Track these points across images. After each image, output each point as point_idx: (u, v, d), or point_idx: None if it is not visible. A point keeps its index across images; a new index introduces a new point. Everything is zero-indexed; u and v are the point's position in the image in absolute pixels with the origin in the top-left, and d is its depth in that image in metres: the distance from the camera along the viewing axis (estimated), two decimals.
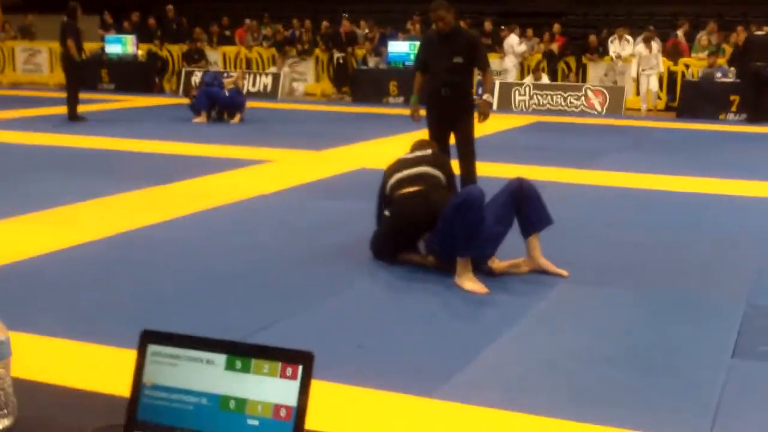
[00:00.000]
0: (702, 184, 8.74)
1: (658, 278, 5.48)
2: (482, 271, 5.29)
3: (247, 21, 20.30)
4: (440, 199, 5.48)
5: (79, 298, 4.84)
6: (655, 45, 16.27)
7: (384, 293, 5.12)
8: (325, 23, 19.71)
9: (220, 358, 1.33)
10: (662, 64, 16.29)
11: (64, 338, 4.12)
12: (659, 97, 16.76)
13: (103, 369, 3.72)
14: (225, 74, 15.20)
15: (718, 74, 15.79)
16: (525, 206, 5.42)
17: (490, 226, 5.28)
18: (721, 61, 16.17)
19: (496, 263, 5.45)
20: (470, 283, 5.08)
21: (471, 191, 5.27)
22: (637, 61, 16.28)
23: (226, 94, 13.96)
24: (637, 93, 16.71)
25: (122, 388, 1.48)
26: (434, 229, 5.36)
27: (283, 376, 1.27)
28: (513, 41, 17.80)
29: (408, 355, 4.08)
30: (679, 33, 17.42)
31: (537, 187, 5.58)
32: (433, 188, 5.68)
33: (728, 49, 16.48)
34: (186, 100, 14.79)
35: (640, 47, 16.28)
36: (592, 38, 17.67)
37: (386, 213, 5.77)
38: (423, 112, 7.38)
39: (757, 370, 3.99)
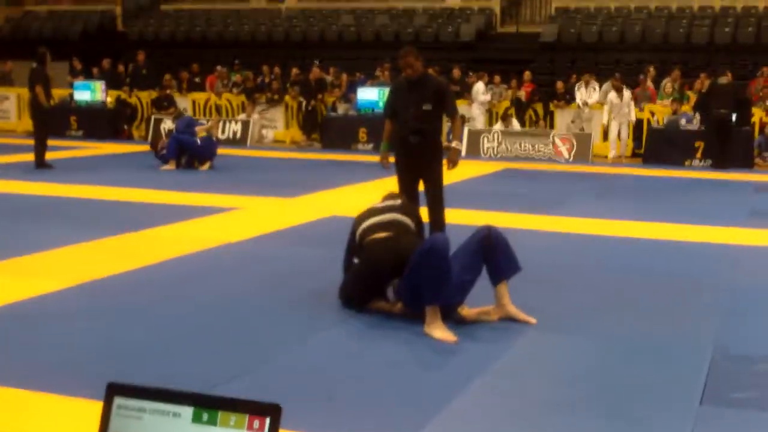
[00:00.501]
0: (667, 230, 8.83)
1: (623, 324, 5.50)
2: (452, 319, 5.29)
3: (218, 68, 20.38)
4: (410, 245, 5.50)
5: (43, 348, 4.77)
6: (627, 93, 16.50)
7: (353, 342, 5.10)
8: (294, 70, 19.84)
9: (187, 411, 1.33)
10: (633, 112, 16.51)
11: (28, 389, 4.06)
12: (626, 144, 16.97)
13: (68, 421, 3.66)
14: (197, 122, 15.18)
15: (683, 121, 16.03)
16: (493, 254, 5.43)
17: (458, 274, 5.29)
18: (686, 107, 16.43)
19: (466, 311, 5.46)
20: (439, 331, 5.07)
21: (436, 239, 5.29)
22: (608, 108, 16.48)
23: (198, 142, 13.93)
24: (605, 139, 16.91)
25: None
26: (403, 275, 5.36)
27: (250, 428, 1.27)
28: (479, 89, 17.98)
29: (379, 404, 4.06)
30: (648, 78, 17.64)
31: (505, 234, 5.61)
32: (403, 234, 5.70)
33: (692, 96, 16.76)
34: (149, 147, 14.76)
35: (612, 95, 16.49)
36: (560, 85, 17.91)
37: (355, 260, 5.77)
38: (392, 159, 7.41)
39: (727, 417, 4.00)
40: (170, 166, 13.68)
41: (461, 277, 5.32)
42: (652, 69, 18.05)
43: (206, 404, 1.30)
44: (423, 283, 5.10)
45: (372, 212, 5.90)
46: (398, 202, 6.09)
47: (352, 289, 5.68)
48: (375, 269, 5.59)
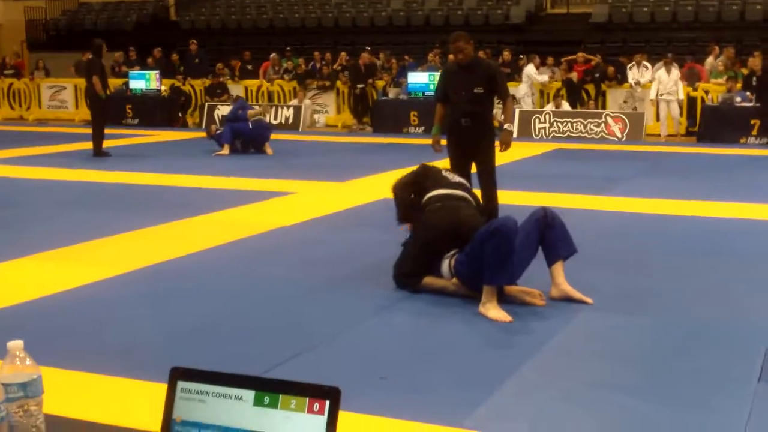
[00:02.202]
0: (723, 209, 8.73)
1: (679, 304, 5.48)
2: (504, 301, 5.31)
3: (273, 55, 20.50)
4: (471, 217, 5.61)
5: (105, 333, 4.90)
6: (675, 71, 16.28)
7: (406, 323, 5.14)
8: (343, 55, 19.88)
9: (249, 394, 1.38)
10: (682, 90, 16.28)
11: (92, 373, 4.18)
12: (680, 122, 16.76)
13: (132, 404, 3.77)
14: (250, 106, 15.35)
15: (738, 99, 15.77)
16: (550, 234, 5.46)
17: (516, 254, 5.32)
18: (739, 85, 16.16)
19: (510, 287, 5.47)
20: (495, 311, 5.10)
21: (506, 221, 5.29)
22: (656, 85, 16.30)
23: (250, 125, 14.08)
24: (657, 119, 16.71)
25: (152, 423, 1.52)
26: (463, 251, 5.39)
27: (310, 411, 1.31)
28: (530, 71, 17.86)
29: (432, 386, 4.10)
30: (710, 59, 17.32)
31: (560, 215, 5.62)
32: (464, 207, 5.77)
33: (745, 73, 16.46)
34: (204, 134, 14.98)
35: (660, 72, 16.30)
36: (611, 70, 17.70)
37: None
38: (444, 142, 7.46)
39: None
40: (224, 151, 13.86)
41: (519, 256, 5.34)
42: (712, 57, 17.57)
43: (267, 388, 1.35)
44: (486, 263, 5.13)
45: (441, 181, 5.95)
46: (464, 181, 6.19)
47: (409, 260, 5.70)
48: (434, 235, 5.62)
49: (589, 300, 5.38)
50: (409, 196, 5.96)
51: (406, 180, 6.07)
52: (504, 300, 5.31)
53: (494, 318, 5.07)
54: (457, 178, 6.13)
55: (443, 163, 7.33)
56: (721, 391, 4.01)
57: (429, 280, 5.63)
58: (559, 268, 5.48)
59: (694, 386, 4.08)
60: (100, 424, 1.84)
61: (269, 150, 14.13)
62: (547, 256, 5.53)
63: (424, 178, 5.99)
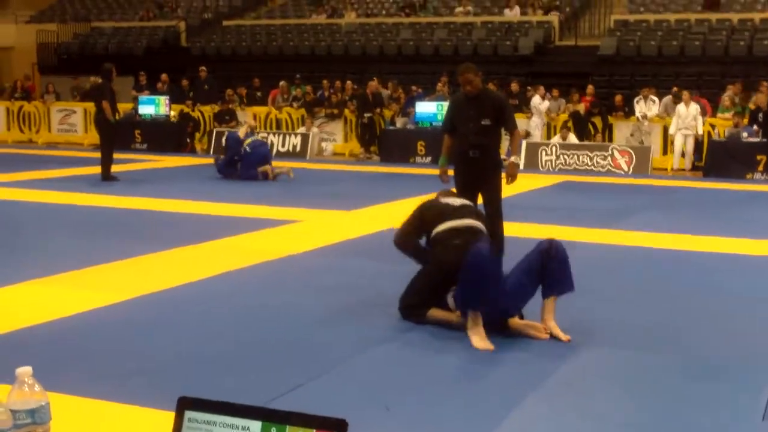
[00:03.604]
0: (729, 245, 8.73)
1: (684, 340, 5.47)
2: (499, 331, 5.31)
3: (282, 82, 20.63)
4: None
5: (111, 359, 4.91)
6: (694, 105, 16.32)
7: (411, 354, 5.14)
8: (349, 83, 20.00)
9: (256, 425, 1.39)
10: (701, 125, 16.28)
11: (98, 399, 4.18)
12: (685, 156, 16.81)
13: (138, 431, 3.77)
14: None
15: (745, 134, 15.80)
16: (550, 267, 5.44)
17: (515, 284, 5.32)
18: (746, 121, 16.20)
19: (514, 321, 5.46)
20: (477, 338, 5.13)
21: (477, 249, 5.28)
22: (675, 119, 16.34)
23: (248, 150, 14.08)
24: (666, 152, 16.74)
25: None
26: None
27: None
28: (536, 101, 17.99)
29: (436, 417, 4.09)
30: (729, 92, 17.25)
31: (566, 249, 5.59)
32: (473, 240, 5.70)
33: (752, 108, 16.50)
34: (212, 161, 15.08)
35: (679, 106, 16.36)
36: (618, 98, 17.79)
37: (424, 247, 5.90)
38: (451, 173, 7.49)
39: None
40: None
41: (518, 288, 5.34)
42: (732, 90, 17.42)
43: (275, 419, 1.37)
44: (459, 290, 5.19)
45: (447, 213, 5.88)
46: (468, 202, 6.17)
47: (414, 292, 5.72)
48: (438, 271, 5.64)
49: (564, 338, 5.29)
50: (415, 243, 5.97)
51: (406, 230, 6.00)
52: (508, 334, 5.32)
53: (475, 346, 5.08)
54: (459, 201, 6.09)
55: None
56: (726, 429, 4.00)
57: (434, 313, 5.63)
58: (550, 303, 5.44)
59: (698, 423, 4.07)
60: None
61: (270, 173, 14.11)
62: (543, 288, 5.50)
63: (422, 221, 5.93)
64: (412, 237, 5.96)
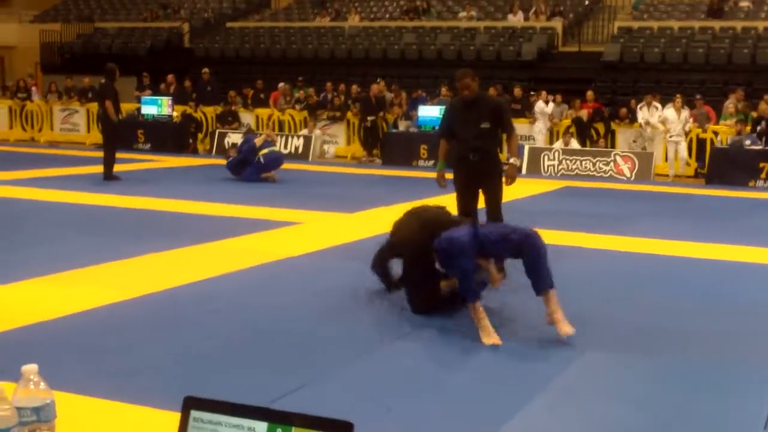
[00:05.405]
0: (731, 252, 8.73)
1: (685, 346, 5.47)
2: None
3: (281, 84, 20.65)
4: (433, 214, 6.13)
5: (114, 357, 4.92)
6: (684, 112, 16.35)
7: (412, 356, 5.15)
8: (354, 87, 20.01)
9: (261, 426, 1.39)
10: (690, 130, 16.34)
11: (102, 398, 4.18)
12: (688, 164, 16.81)
13: (142, 431, 3.77)
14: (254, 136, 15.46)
15: (747, 141, 15.81)
16: (524, 261, 5.51)
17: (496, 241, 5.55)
18: (748, 128, 16.21)
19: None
20: (483, 334, 5.27)
21: (451, 235, 5.48)
22: (664, 125, 16.45)
23: (262, 161, 14.17)
24: (666, 159, 16.78)
25: None
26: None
27: None
28: (540, 105, 18.02)
29: (437, 419, 4.10)
30: (732, 100, 17.26)
31: (542, 246, 5.55)
32: (421, 211, 6.27)
33: (754, 116, 16.51)
34: (223, 161, 15.09)
35: (669, 112, 16.39)
36: (623, 111, 17.79)
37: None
38: (450, 176, 7.52)
39: None
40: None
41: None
42: (734, 97, 17.47)
43: (280, 420, 1.37)
44: (458, 282, 5.44)
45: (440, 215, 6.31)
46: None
47: (415, 291, 5.84)
48: (414, 249, 5.90)
49: (565, 331, 5.36)
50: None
51: (414, 256, 6.09)
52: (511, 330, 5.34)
53: (484, 342, 5.24)
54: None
55: (451, 198, 7.38)
56: None
57: (443, 286, 5.91)
58: (545, 301, 5.50)
59: (699, 429, 4.07)
60: None
61: (275, 177, 14.19)
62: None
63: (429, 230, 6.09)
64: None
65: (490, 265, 5.70)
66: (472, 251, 5.35)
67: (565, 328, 5.36)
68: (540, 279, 5.48)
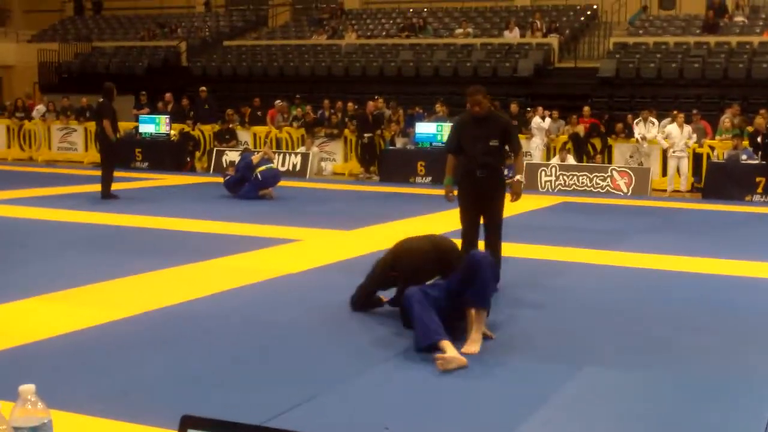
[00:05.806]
0: (728, 267, 8.74)
1: (682, 361, 5.47)
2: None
3: (278, 102, 20.70)
4: (448, 245, 6.37)
5: (112, 376, 4.91)
6: (687, 127, 16.40)
7: (410, 372, 5.14)
8: (350, 104, 20.06)
9: None
10: (690, 144, 16.38)
11: (98, 417, 4.18)
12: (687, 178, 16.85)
13: None
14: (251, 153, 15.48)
15: (744, 156, 15.85)
16: (474, 280, 5.61)
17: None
18: (745, 143, 16.25)
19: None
20: (442, 362, 5.13)
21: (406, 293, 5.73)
22: (665, 140, 16.49)
23: (260, 178, 14.22)
24: (665, 173, 16.81)
25: None
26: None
27: None
28: (537, 121, 18.08)
29: None
30: (728, 114, 17.28)
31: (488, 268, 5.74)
32: (440, 237, 6.49)
33: (750, 131, 16.54)
34: (220, 179, 15.11)
35: (671, 128, 16.44)
36: (619, 126, 17.84)
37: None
38: (455, 192, 7.56)
39: None
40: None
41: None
42: (731, 112, 17.50)
43: None
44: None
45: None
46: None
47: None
48: (413, 258, 6.26)
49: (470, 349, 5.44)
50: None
51: (412, 267, 6.27)
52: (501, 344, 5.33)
53: (446, 369, 5.09)
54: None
55: (450, 214, 7.40)
56: None
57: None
58: (472, 316, 5.58)
59: None
60: None
61: (272, 194, 14.23)
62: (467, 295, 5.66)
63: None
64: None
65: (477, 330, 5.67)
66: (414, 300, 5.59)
67: (472, 347, 5.46)
68: (479, 295, 5.61)
